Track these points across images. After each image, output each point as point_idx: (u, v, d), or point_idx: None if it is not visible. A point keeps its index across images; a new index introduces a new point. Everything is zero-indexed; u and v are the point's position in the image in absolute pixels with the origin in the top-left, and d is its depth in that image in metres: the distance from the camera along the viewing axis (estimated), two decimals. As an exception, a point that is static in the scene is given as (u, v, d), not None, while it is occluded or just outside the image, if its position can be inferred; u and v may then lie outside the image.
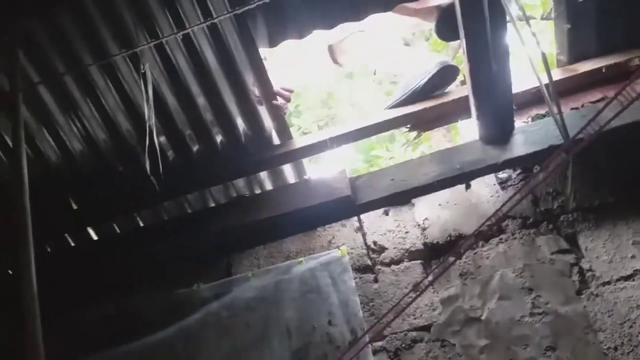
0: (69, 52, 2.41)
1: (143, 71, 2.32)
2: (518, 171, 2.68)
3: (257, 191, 2.91)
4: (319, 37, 2.93)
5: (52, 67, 2.45)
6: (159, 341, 2.59)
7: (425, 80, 2.71)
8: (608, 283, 2.39)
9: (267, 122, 2.69)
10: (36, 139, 2.62)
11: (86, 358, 2.62)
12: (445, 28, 2.54)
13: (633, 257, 2.40)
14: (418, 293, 2.29)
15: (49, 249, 2.89)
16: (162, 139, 2.67)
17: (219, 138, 2.71)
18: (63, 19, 2.33)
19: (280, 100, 2.66)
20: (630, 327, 2.30)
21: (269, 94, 2.62)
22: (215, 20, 2.34)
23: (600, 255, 2.45)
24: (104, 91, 2.52)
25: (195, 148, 2.72)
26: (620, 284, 2.38)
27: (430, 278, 2.44)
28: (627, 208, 2.49)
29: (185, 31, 2.34)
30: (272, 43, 2.56)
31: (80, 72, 2.45)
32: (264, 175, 2.87)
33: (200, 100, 2.60)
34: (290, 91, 2.78)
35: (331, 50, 3.12)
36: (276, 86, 2.67)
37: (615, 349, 2.28)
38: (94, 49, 2.41)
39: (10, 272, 2.72)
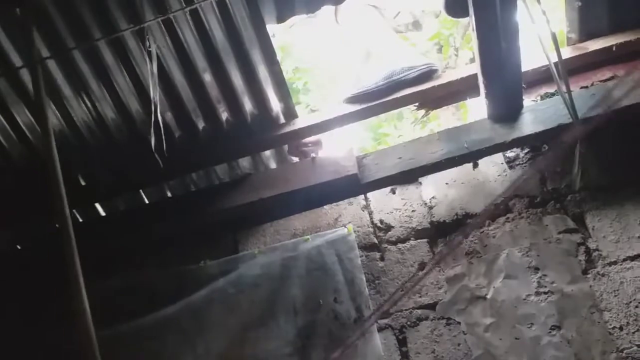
0: (77, 27, 2.40)
1: (149, 49, 2.30)
2: (526, 150, 2.66)
3: (261, 170, 2.91)
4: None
5: (61, 41, 2.44)
6: (166, 316, 2.61)
7: (414, 75, 2.69)
8: (614, 263, 2.39)
9: (274, 100, 2.68)
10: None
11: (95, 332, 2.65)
12: (455, 4, 2.51)
13: (640, 237, 2.41)
14: (424, 271, 2.30)
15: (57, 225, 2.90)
16: (169, 116, 2.67)
17: (224, 116, 2.70)
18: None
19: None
20: (636, 307, 2.30)
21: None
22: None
23: (607, 235, 2.44)
24: (112, 67, 2.52)
25: (201, 126, 2.72)
26: (627, 264, 2.38)
27: (436, 257, 2.45)
28: (635, 188, 2.48)
29: (193, 6, 2.33)
30: (280, 19, 2.54)
31: (88, 47, 2.44)
32: (268, 154, 2.87)
33: (207, 78, 2.58)
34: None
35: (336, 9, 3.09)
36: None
37: (621, 328, 2.29)
38: (102, 24, 2.40)
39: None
